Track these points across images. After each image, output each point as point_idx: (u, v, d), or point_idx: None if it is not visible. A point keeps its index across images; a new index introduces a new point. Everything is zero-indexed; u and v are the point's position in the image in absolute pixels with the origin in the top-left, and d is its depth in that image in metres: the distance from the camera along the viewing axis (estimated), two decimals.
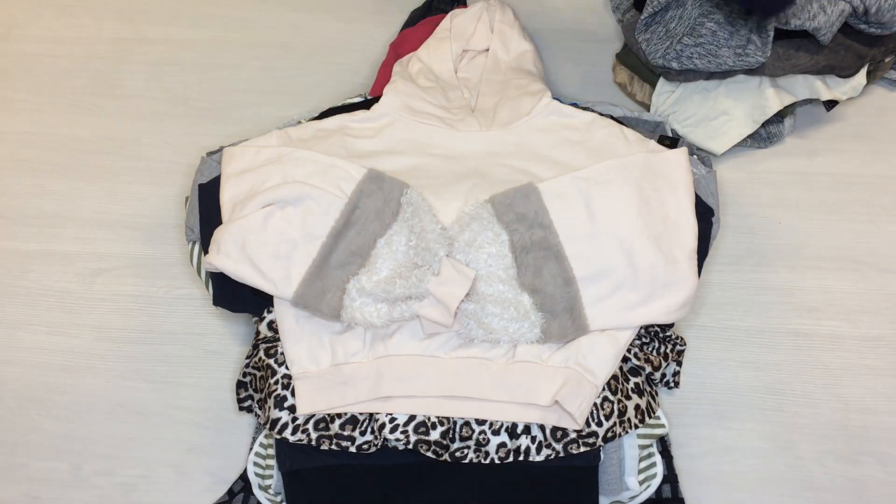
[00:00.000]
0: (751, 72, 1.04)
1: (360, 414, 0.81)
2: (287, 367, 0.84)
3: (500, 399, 0.81)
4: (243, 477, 0.89)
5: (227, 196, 0.89)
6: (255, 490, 0.85)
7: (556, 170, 0.91)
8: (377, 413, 0.81)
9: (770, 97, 1.06)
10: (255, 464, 0.86)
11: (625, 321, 0.83)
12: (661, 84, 1.10)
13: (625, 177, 0.87)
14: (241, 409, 0.89)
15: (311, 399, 0.82)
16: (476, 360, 0.82)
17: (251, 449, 0.87)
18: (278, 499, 0.85)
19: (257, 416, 0.88)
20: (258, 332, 0.89)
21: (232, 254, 0.85)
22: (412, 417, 0.80)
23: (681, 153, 0.90)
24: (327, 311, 0.83)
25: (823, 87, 1.06)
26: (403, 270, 0.84)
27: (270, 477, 0.85)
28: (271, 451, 0.86)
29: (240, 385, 0.89)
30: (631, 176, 0.87)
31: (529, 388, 0.81)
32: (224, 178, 0.91)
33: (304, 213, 0.85)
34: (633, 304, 0.83)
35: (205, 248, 0.92)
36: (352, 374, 0.82)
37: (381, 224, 0.86)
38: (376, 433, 0.80)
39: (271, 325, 0.88)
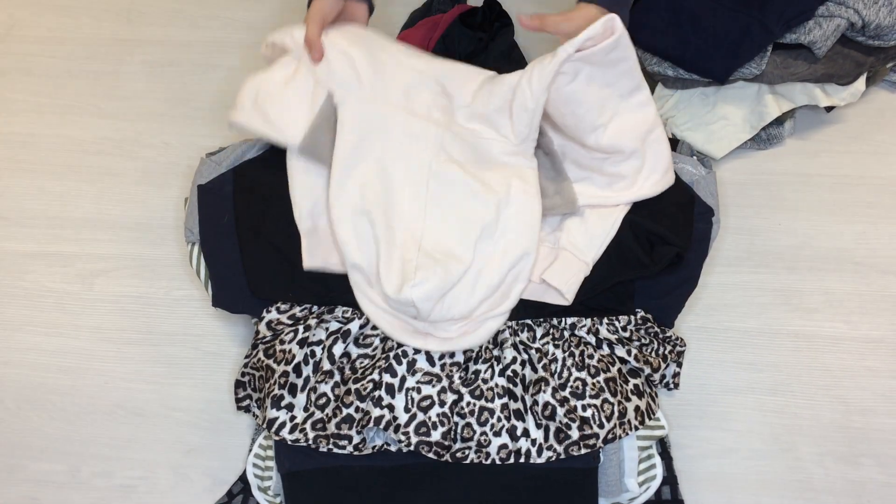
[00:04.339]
0: (750, 79, 1.04)
1: (357, 412, 0.81)
2: (286, 365, 0.84)
3: None
4: (242, 478, 0.89)
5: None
6: (255, 491, 0.85)
7: None
8: (375, 411, 0.81)
9: (769, 103, 1.06)
10: (255, 465, 0.86)
11: (614, 199, 0.88)
12: (660, 88, 1.10)
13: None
14: (239, 408, 0.89)
15: (313, 254, 0.87)
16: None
17: (250, 450, 0.87)
18: (277, 500, 0.85)
19: (255, 416, 0.88)
20: (257, 332, 0.89)
21: (245, 106, 0.87)
22: (413, 417, 0.80)
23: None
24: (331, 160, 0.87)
25: (822, 94, 1.06)
26: None
27: (270, 478, 0.85)
28: (270, 453, 0.86)
29: (238, 385, 0.89)
30: None
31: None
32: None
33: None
34: (621, 181, 0.87)
35: (204, 249, 0.92)
36: None
37: None
38: (367, 433, 0.80)
39: (270, 325, 0.88)
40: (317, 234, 0.88)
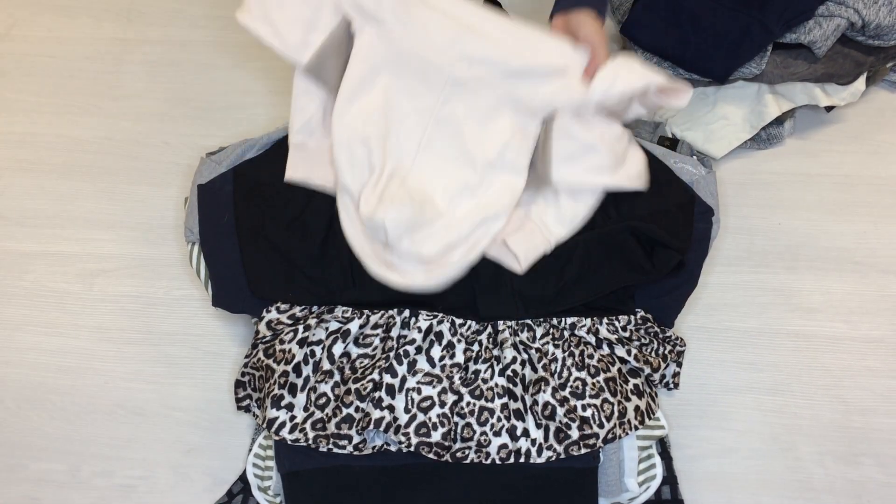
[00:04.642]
0: (749, 78, 1.04)
1: (357, 412, 0.81)
2: (286, 365, 0.84)
3: None
4: (242, 478, 0.89)
5: None
6: (255, 491, 0.85)
7: None
8: (375, 413, 0.81)
9: (769, 103, 1.06)
10: (255, 465, 0.86)
11: (589, 183, 0.88)
12: None
13: None
14: (239, 408, 0.89)
15: (296, 168, 0.90)
16: None
17: (250, 450, 0.87)
18: (277, 500, 0.85)
19: (255, 415, 0.88)
20: (257, 332, 0.89)
21: (253, 8, 0.85)
22: (413, 417, 0.80)
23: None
24: (336, 85, 0.87)
25: (822, 94, 1.06)
26: None
27: (270, 478, 0.85)
28: (270, 452, 0.86)
29: (238, 385, 0.89)
30: None
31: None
32: None
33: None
34: (599, 168, 0.87)
35: (204, 249, 0.92)
36: None
37: None
38: (365, 435, 0.80)
39: (270, 325, 0.88)
40: (305, 149, 0.91)
